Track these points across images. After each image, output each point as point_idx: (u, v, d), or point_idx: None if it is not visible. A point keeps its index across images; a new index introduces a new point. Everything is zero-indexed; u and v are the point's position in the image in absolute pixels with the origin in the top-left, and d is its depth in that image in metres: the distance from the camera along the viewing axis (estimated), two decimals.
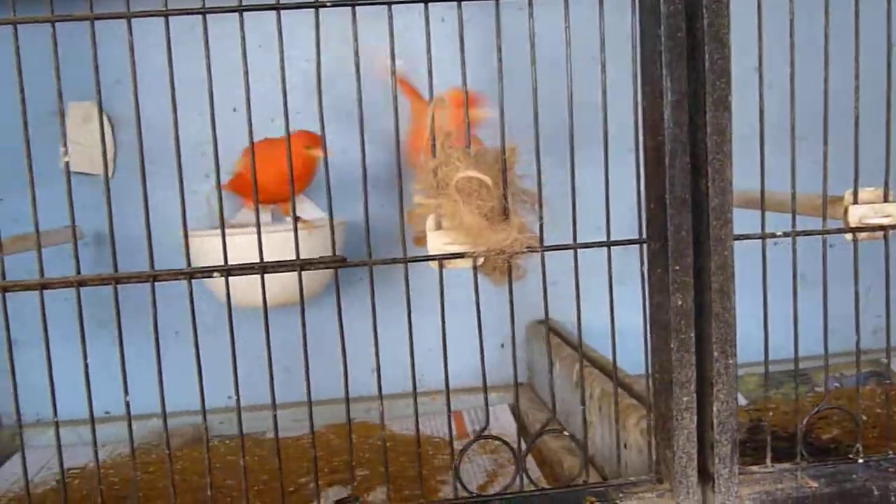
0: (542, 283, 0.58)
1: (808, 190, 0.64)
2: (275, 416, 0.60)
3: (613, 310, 0.60)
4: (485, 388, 0.63)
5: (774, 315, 0.62)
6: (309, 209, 1.03)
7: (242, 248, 0.70)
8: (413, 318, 0.60)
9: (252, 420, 1.04)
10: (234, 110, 1.01)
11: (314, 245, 0.89)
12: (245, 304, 0.79)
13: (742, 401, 1.07)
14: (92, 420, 0.58)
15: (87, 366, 0.58)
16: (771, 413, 0.99)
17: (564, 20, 0.56)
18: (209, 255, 0.89)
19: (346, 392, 0.61)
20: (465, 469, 0.91)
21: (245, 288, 0.64)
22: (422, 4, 0.55)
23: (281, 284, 0.70)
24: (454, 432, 1.05)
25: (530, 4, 0.56)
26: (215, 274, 0.56)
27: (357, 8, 0.54)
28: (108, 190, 0.58)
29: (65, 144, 0.57)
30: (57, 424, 0.59)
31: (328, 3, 0.54)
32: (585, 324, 0.62)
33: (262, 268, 0.56)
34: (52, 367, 0.58)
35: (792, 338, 0.63)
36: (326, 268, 0.56)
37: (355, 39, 0.54)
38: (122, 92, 1.02)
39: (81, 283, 0.56)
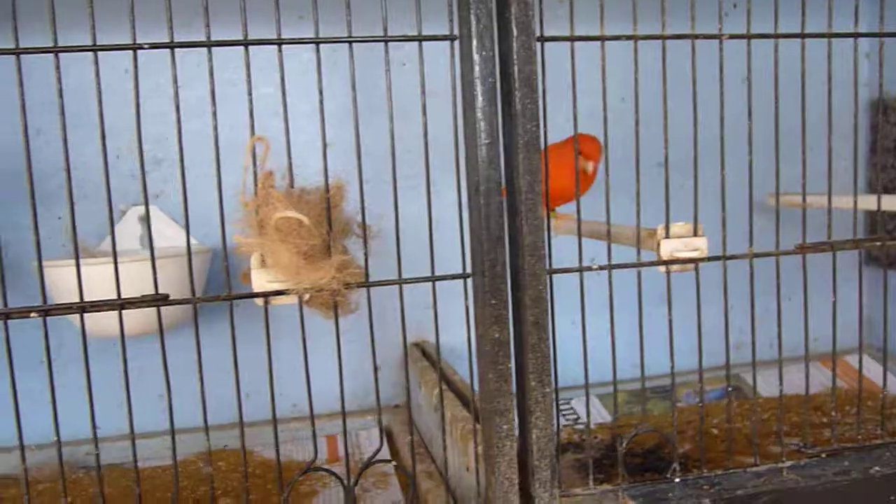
0: (369, 317, 0.60)
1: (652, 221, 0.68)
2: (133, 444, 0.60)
3: (471, 339, 0.62)
4: (313, 415, 0.64)
5: (646, 334, 0.66)
6: (175, 234, 1.03)
7: (97, 279, 0.69)
8: (284, 347, 0.60)
9: (123, 450, 1.03)
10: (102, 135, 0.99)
11: (173, 273, 0.89)
12: (101, 335, 0.79)
13: (607, 417, 1.11)
14: None
15: None
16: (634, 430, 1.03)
17: (384, 65, 0.58)
18: (62, 287, 0.88)
19: (206, 419, 0.61)
20: (329, 495, 0.92)
21: (100, 320, 0.63)
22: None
23: (142, 314, 0.70)
24: (326, 456, 1.06)
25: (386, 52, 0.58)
26: (32, 314, 0.56)
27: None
28: None
29: None
30: None
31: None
32: (452, 347, 0.64)
33: (82, 308, 0.56)
34: None
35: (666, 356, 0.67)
36: (147, 306, 0.56)
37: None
38: None
39: None
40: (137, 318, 0.65)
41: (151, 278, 0.58)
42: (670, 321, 0.66)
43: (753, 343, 0.69)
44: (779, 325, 0.71)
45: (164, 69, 0.57)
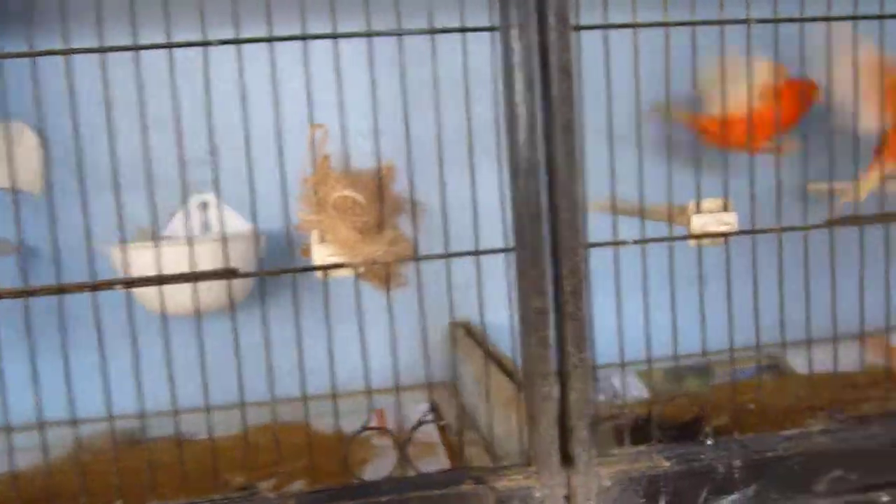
0: (418, 290, 0.65)
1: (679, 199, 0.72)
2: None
3: (513, 310, 0.67)
4: (374, 386, 0.69)
5: (683, 313, 0.70)
6: (233, 220, 1.09)
7: (168, 261, 0.75)
8: (335, 324, 0.66)
9: (183, 423, 1.10)
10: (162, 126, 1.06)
11: (236, 255, 0.95)
12: (170, 313, 0.85)
13: (646, 394, 1.15)
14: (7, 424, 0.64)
15: (1, 373, 0.63)
16: (658, 407, 1.06)
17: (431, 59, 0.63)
18: (136, 268, 0.94)
19: (272, 391, 0.67)
20: (380, 463, 0.98)
21: (171, 298, 0.69)
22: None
23: (208, 292, 0.76)
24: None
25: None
26: (117, 286, 0.62)
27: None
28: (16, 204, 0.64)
29: None
30: None
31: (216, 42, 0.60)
32: (493, 325, 0.69)
33: (160, 279, 0.62)
34: None
35: (699, 333, 0.71)
36: (218, 279, 0.62)
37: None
38: (50, 112, 1.07)
39: None
40: (203, 296, 0.71)
41: (213, 259, 0.64)
42: (701, 294, 0.70)
43: (782, 320, 0.72)
44: (807, 302, 0.74)
45: (222, 62, 0.63)
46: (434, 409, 1.15)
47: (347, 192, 0.59)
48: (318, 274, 0.64)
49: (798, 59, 0.69)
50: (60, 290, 0.63)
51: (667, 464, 0.67)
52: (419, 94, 0.71)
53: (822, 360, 0.81)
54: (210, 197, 1.11)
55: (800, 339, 0.88)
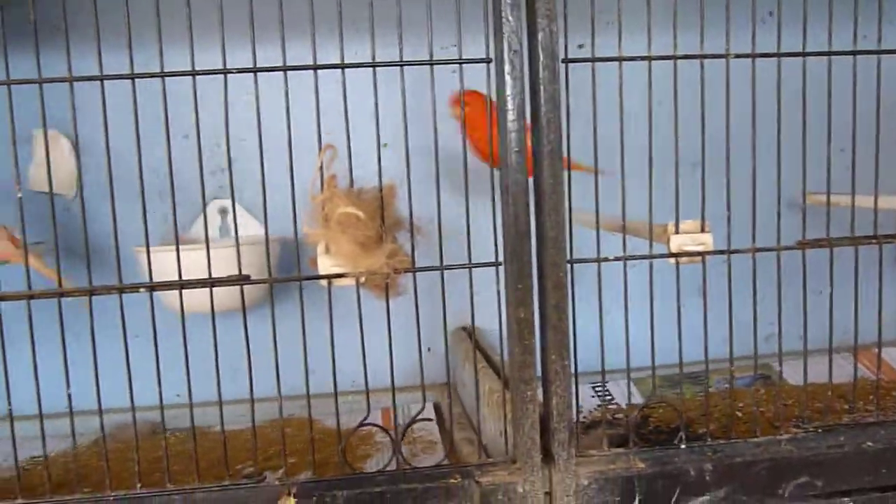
0: (415, 299, 0.71)
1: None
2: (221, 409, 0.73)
3: (502, 319, 0.73)
4: (392, 381, 0.75)
5: (683, 325, 0.76)
6: (250, 224, 1.16)
7: (188, 264, 0.82)
8: (343, 329, 0.72)
9: (198, 416, 1.16)
10: (186, 137, 1.13)
11: (252, 260, 1.01)
12: (191, 312, 0.92)
13: (638, 399, 1.20)
14: (41, 411, 0.71)
15: (35, 367, 0.70)
16: (661, 410, 1.12)
17: (430, 87, 0.69)
18: (159, 269, 1.01)
19: (279, 388, 0.73)
20: (382, 458, 1.04)
21: (191, 298, 0.76)
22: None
23: (224, 294, 0.82)
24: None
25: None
26: (141, 289, 0.69)
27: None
28: (53, 206, 0.70)
29: (17, 180, 0.70)
30: (11, 418, 0.71)
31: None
32: (491, 330, 0.74)
33: (212, 283, 0.68)
34: (6, 367, 0.71)
35: (697, 345, 0.76)
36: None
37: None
38: (83, 119, 1.14)
39: (31, 297, 0.69)
40: (220, 297, 0.77)
41: (229, 263, 0.70)
42: (678, 309, 0.75)
43: (779, 334, 0.77)
44: (805, 317, 0.79)
45: (240, 85, 0.69)
46: (435, 408, 1.22)
47: (350, 209, 0.65)
48: (323, 282, 0.69)
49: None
50: (91, 292, 0.69)
51: (642, 465, 0.73)
52: (420, 112, 0.77)
53: (820, 373, 0.85)
54: (228, 203, 1.18)
55: (790, 351, 0.93)
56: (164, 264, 1.03)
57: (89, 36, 0.67)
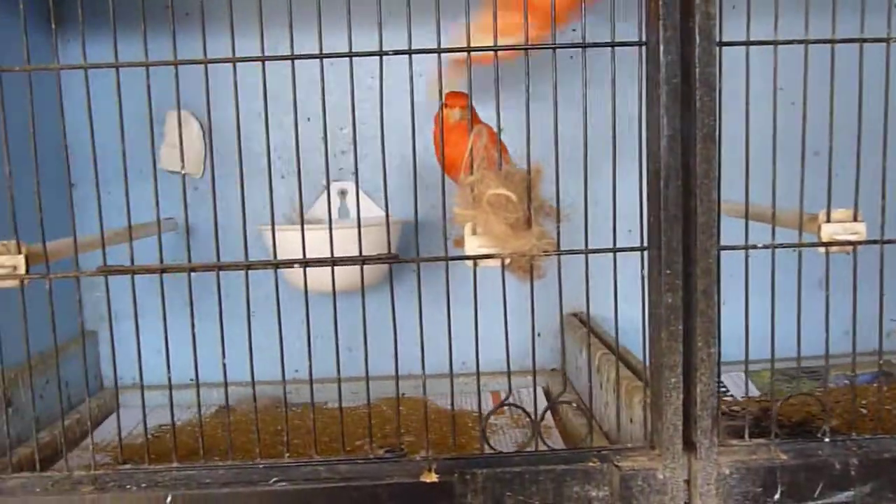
0: (559, 281, 0.72)
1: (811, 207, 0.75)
2: (339, 387, 0.75)
3: (617, 305, 0.73)
4: (508, 360, 0.76)
5: (805, 318, 0.73)
6: (370, 207, 1.18)
7: (311, 243, 0.84)
8: (458, 310, 0.74)
9: (316, 392, 1.20)
10: (308, 119, 1.16)
11: (371, 241, 1.03)
12: (312, 291, 0.94)
13: (755, 391, 1.18)
14: (170, 383, 0.76)
15: (166, 338, 0.73)
16: (779, 403, 1.09)
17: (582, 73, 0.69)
18: (282, 247, 1.04)
19: (396, 368, 0.75)
20: (498, 440, 1.05)
21: (313, 277, 0.78)
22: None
23: (345, 274, 0.84)
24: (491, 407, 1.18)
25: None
26: (296, 265, 0.71)
27: None
28: (185, 193, 0.73)
29: (154, 160, 0.73)
30: (142, 386, 0.76)
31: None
32: (604, 318, 0.74)
33: (333, 262, 0.70)
34: (139, 339, 0.75)
35: (820, 337, 0.74)
36: (383, 262, 0.70)
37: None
38: (214, 102, 1.18)
39: (164, 271, 0.72)
40: (341, 278, 0.79)
41: (350, 243, 0.72)
42: (827, 297, 0.73)
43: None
44: None
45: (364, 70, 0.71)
46: (545, 392, 1.22)
47: (501, 191, 0.65)
48: (469, 263, 0.70)
49: None
50: (219, 267, 0.72)
51: (784, 457, 0.71)
52: (570, 99, 0.77)
53: None
54: (348, 185, 1.21)
55: None
56: (287, 244, 1.07)
57: (222, 20, 0.70)
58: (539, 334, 1.25)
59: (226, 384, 0.75)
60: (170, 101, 0.72)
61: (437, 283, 0.73)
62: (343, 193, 1.20)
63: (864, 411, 1.04)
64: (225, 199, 1.04)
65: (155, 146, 0.83)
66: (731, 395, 1.16)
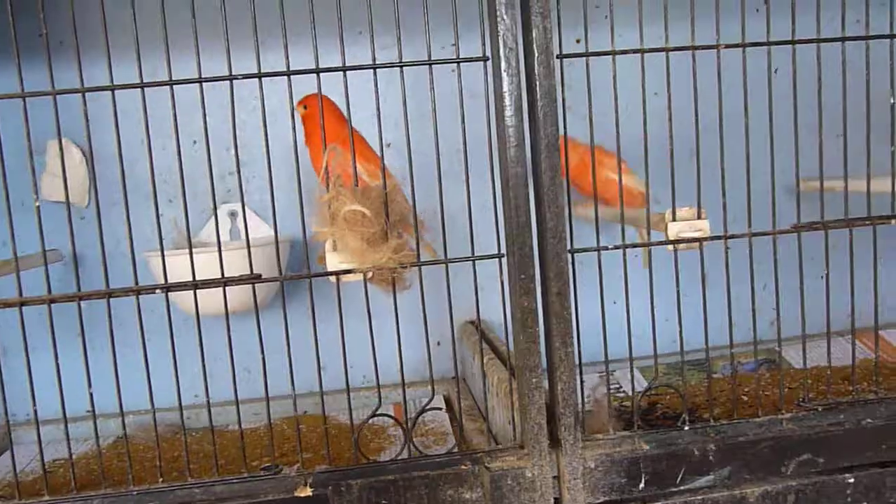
0: (421, 293, 0.74)
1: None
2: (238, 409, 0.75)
3: (506, 310, 0.75)
4: (402, 370, 0.77)
5: (686, 312, 0.78)
6: (260, 227, 1.18)
7: (200, 266, 0.83)
8: (353, 324, 0.75)
9: (217, 415, 1.19)
10: (195, 143, 1.16)
11: (260, 260, 1.04)
12: (204, 314, 0.94)
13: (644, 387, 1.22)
14: (65, 416, 0.74)
15: (58, 370, 0.72)
16: (668, 397, 1.14)
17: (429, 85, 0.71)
18: (172, 273, 1.03)
19: (293, 385, 0.75)
20: (394, 450, 1.06)
21: (205, 300, 0.78)
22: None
23: (234, 295, 0.85)
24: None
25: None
26: (186, 287, 0.71)
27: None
28: (70, 219, 0.73)
29: (35, 190, 0.72)
30: (37, 421, 0.74)
31: (240, 76, 0.69)
32: (500, 322, 0.75)
33: (224, 282, 0.71)
34: (31, 372, 0.73)
35: (701, 331, 0.78)
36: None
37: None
38: (95, 130, 1.17)
39: (52, 301, 0.71)
40: (232, 298, 0.79)
41: (239, 265, 0.72)
42: (678, 293, 0.77)
43: (777, 318, 0.79)
44: (802, 301, 0.80)
45: (247, 91, 0.71)
46: (445, 401, 1.24)
47: (356, 207, 0.67)
48: (332, 278, 0.72)
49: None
50: (109, 294, 0.72)
51: (647, 447, 0.75)
52: (422, 111, 0.79)
53: (823, 355, 0.86)
54: (237, 206, 1.21)
55: (793, 336, 0.95)
56: (176, 269, 1.06)
57: (97, 48, 0.70)
58: (439, 343, 1.27)
59: (122, 413, 0.75)
60: (49, 132, 0.71)
61: (331, 300, 0.74)
62: (233, 215, 1.20)
63: (745, 398, 1.09)
64: (112, 227, 1.03)
65: (36, 176, 0.81)
66: (624, 392, 1.21)
